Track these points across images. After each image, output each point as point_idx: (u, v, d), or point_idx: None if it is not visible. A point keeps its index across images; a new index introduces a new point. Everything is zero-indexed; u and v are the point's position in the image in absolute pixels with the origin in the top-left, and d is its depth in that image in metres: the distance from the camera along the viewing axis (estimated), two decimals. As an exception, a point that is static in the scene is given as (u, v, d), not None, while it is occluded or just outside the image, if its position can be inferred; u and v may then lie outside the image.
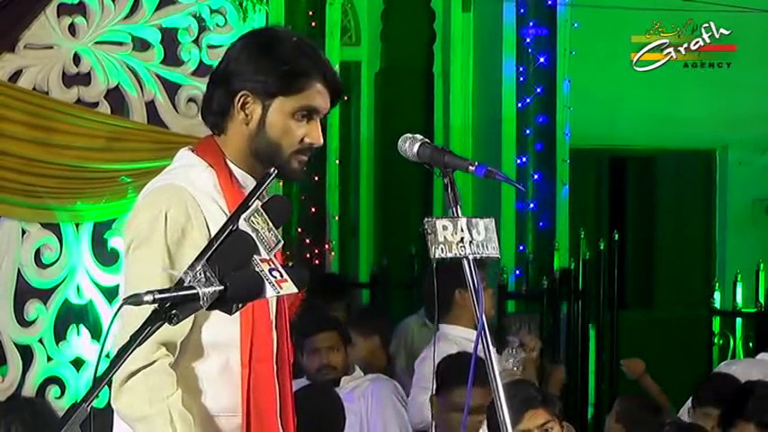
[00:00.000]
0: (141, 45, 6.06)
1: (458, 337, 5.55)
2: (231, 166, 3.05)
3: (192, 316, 2.76)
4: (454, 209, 2.84)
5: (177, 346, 2.91)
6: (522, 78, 10.88)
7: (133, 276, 2.94)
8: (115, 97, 5.96)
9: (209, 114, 3.10)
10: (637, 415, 6.08)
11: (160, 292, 2.27)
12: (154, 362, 2.85)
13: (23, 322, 5.65)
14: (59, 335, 5.78)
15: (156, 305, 2.29)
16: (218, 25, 6.31)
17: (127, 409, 2.88)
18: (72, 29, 5.79)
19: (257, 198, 2.54)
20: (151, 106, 6.08)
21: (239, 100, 3.02)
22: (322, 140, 3.08)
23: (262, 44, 3.08)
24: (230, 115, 3.05)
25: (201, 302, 2.28)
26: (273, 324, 3.04)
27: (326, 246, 9.56)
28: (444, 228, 2.81)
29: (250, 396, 2.96)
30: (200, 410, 2.95)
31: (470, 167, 2.85)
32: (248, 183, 3.05)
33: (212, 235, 2.88)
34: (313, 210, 9.18)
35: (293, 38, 3.11)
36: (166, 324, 2.72)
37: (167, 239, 2.90)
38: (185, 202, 2.93)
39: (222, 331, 2.94)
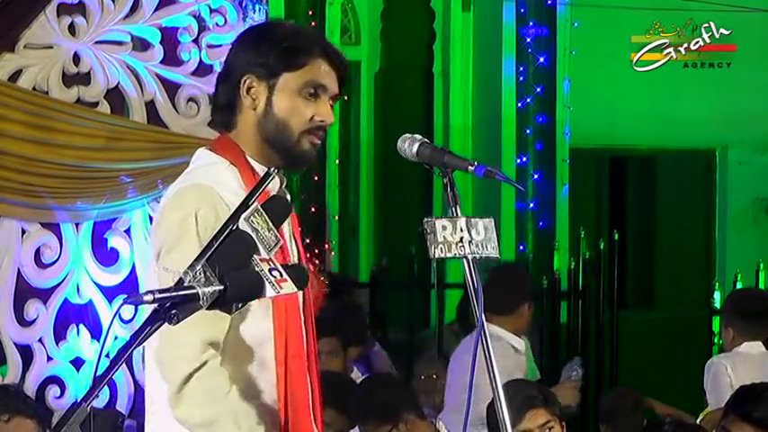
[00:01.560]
0: (141, 45, 6.06)
1: (504, 340, 5.56)
2: (251, 161, 3.00)
3: (229, 317, 2.75)
4: (454, 209, 2.84)
5: (221, 344, 2.87)
6: (522, 78, 10.90)
7: (169, 281, 2.79)
8: (115, 97, 5.95)
9: (218, 112, 3.07)
10: (618, 411, 6.12)
11: (160, 291, 2.27)
12: (205, 363, 2.81)
13: (23, 322, 5.64)
14: (59, 335, 5.77)
15: (156, 305, 2.28)
16: (217, 25, 6.30)
17: (188, 416, 2.83)
18: (72, 28, 5.79)
19: (257, 197, 2.54)
20: (151, 106, 6.08)
21: (244, 84, 2.99)
22: (333, 118, 3.04)
23: (258, 32, 3.09)
24: (237, 106, 3.01)
25: (201, 302, 2.28)
26: (302, 320, 3.02)
27: (326, 245, 9.56)
28: (444, 228, 2.81)
29: (287, 392, 2.92)
30: None
31: (470, 167, 2.84)
32: None
33: None
34: (313, 209, 9.17)
35: (290, 23, 3.12)
36: (210, 324, 2.72)
37: (200, 240, 2.80)
38: (213, 201, 2.88)
39: (257, 330, 2.91)
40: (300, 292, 2.97)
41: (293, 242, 3.05)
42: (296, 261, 3.02)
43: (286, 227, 2.99)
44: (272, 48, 2.98)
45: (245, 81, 2.99)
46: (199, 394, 2.80)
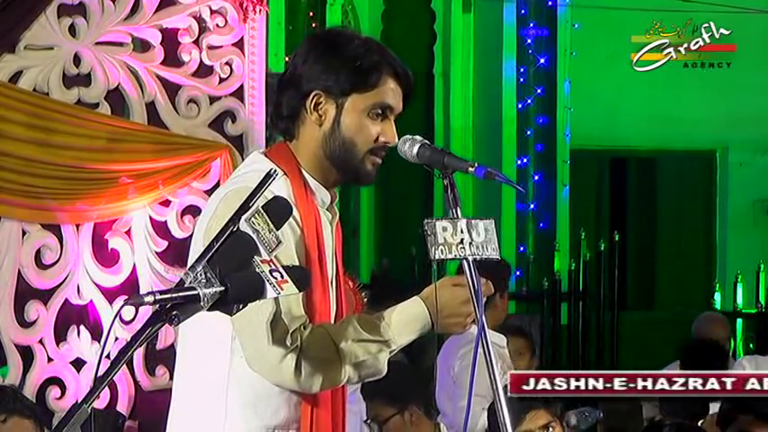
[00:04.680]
0: (141, 46, 6.06)
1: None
2: (305, 174, 2.97)
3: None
4: (454, 210, 2.84)
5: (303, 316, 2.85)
6: (522, 79, 10.92)
7: None
8: (115, 98, 5.95)
9: (280, 120, 3.01)
10: (621, 416, 6.13)
11: (161, 293, 2.27)
12: (299, 341, 2.80)
13: (24, 323, 5.63)
14: (60, 336, 5.77)
15: (156, 306, 2.28)
16: (218, 26, 6.30)
17: (319, 386, 2.84)
18: (72, 30, 5.79)
19: (257, 199, 2.54)
20: (151, 107, 6.07)
21: (312, 100, 2.95)
22: (396, 140, 3.00)
23: (329, 44, 3.02)
24: (302, 118, 2.97)
25: (202, 303, 2.28)
26: None
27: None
28: (444, 229, 2.81)
29: (313, 410, 2.90)
30: (260, 424, 2.89)
31: (470, 169, 2.85)
32: (321, 194, 2.99)
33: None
34: (313, 211, 9.17)
35: (360, 36, 3.06)
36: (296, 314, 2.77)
37: None
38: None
39: None
40: (334, 309, 2.97)
41: (334, 260, 3.02)
42: (332, 278, 3.00)
43: (329, 243, 2.98)
44: (344, 65, 2.95)
45: (314, 97, 2.95)
46: (316, 362, 2.80)
